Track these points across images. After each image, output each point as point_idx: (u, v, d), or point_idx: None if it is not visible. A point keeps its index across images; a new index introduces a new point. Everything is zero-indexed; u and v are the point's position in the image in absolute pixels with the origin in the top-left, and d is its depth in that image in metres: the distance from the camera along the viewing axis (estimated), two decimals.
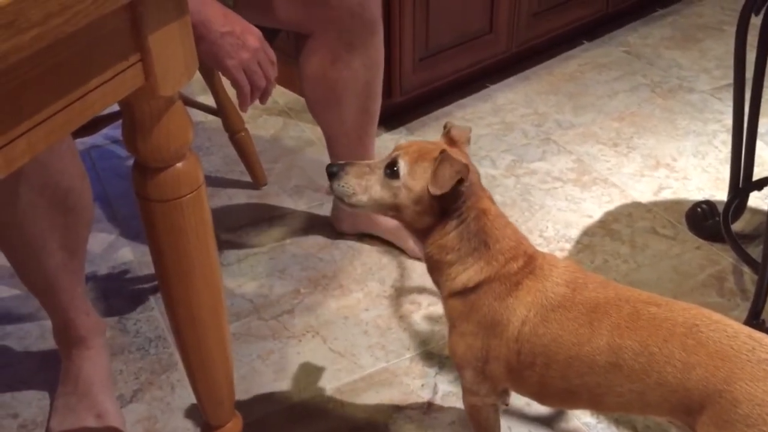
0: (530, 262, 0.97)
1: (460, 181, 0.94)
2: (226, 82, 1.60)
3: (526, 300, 0.95)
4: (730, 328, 0.85)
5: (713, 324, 0.86)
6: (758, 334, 0.84)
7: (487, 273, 0.97)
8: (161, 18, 0.73)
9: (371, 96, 1.46)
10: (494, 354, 0.98)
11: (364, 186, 0.99)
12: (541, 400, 1.03)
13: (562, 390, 0.96)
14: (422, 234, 1.00)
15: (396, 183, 0.97)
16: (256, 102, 1.23)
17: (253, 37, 1.17)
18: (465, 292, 0.98)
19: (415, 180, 0.96)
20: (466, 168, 0.94)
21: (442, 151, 0.95)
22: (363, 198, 1.00)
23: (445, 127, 1.05)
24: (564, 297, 0.94)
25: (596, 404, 0.97)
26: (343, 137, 1.51)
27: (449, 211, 0.97)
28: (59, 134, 0.69)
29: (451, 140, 1.02)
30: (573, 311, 0.93)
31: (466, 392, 1.07)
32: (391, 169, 0.98)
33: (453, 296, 1.00)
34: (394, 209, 1.00)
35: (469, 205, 0.97)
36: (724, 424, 0.81)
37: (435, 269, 1.02)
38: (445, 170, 0.93)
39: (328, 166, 1.01)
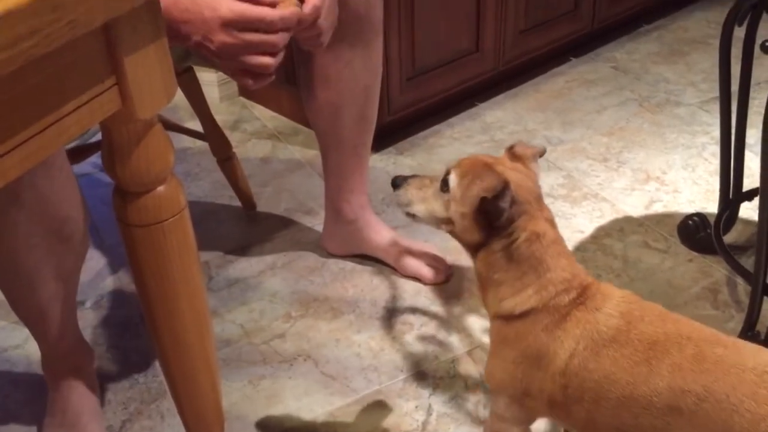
0: (583, 293, 0.92)
1: (497, 198, 0.89)
2: (219, 104, 1.59)
3: (575, 332, 0.90)
4: None
5: None
6: None
7: (536, 302, 0.92)
8: (137, 40, 0.73)
9: (369, 102, 1.46)
10: (537, 387, 0.94)
11: (422, 197, 0.99)
12: None
13: (612, 428, 0.91)
14: (474, 250, 0.97)
15: (447, 196, 0.96)
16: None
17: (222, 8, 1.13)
18: (511, 317, 0.95)
19: (463, 192, 0.94)
20: (503, 185, 0.89)
21: (485, 165, 0.93)
22: (420, 208, 1.00)
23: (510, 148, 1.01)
24: (618, 330, 0.89)
25: None
26: (338, 145, 1.49)
27: (496, 229, 0.92)
28: (34, 160, 0.68)
29: (514, 156, 0.99)
30: (628, 347, 0.87)
31: (495, 417, 1.03)
32: (445, 182, 0.96)
33: (498, 318, 0.97)
34: (447, 222, 0.97)
35: (520, 225, 0.91)
36: None
37: (483, 287, 0.98)
38: (472, 186, 0.91)
39: (394, 178, 1.03)
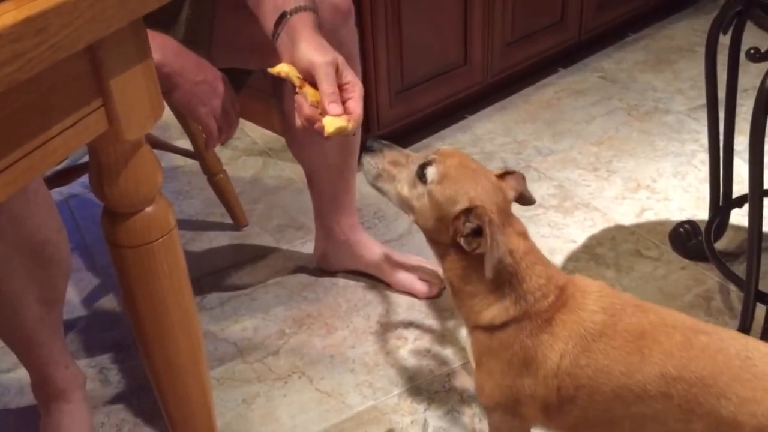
0: (561, 294, 0.93)
1: (466, 214, 0.90)
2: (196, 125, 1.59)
3: (562, 334, 0.91)
4: None
5: (766, 357, 0.84)
6: None
7: (515, 313, 0.92)
8: (123, 62, 0.73)
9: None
10: (528, 393, 0.94)
11: (394, 175, 0.96)
12: None
13: (604, 421, 0.92)
14: (441, 252, 0.96)
15: (421, 188, 0.94)
16: (232, 143, 1.24)
17: (222, 83, 1.17)
18: (492, 328, 0.94)
19: (440, 195, 0.92)
20: (480, 209, 0.89)
21: (472, 173, 0.91)
22: (389, 187, 0.97)
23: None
24: (605, 325, 0.90)
25: None
26: (324, 172, 1.50)
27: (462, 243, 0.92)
28: (21, 182, 0.68)
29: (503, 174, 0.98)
30: (618, 339, 0.89)
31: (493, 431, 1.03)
32: (422, 171, 0.94)
33: (478, 329, 0.96)
34: (412, 212, 0.96)
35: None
36: None
37: (456, 297, 0.97)
38: (453, 196, 0.90)
39: (369, 139, 0.98)
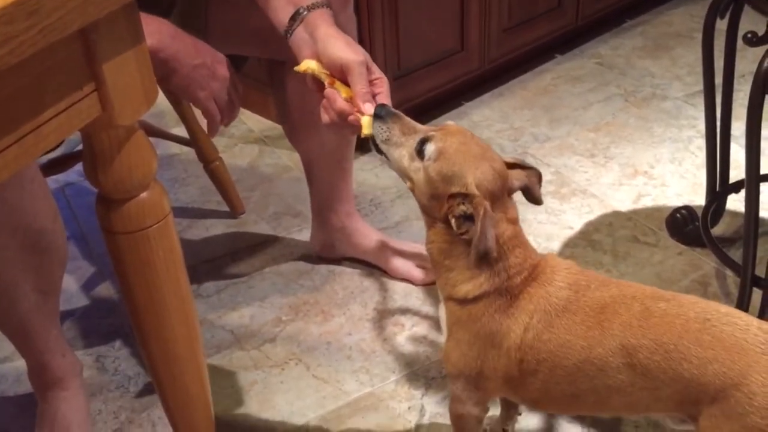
0: (533, 270, 0.95)
1: (464, 203, 0.90)
2: (196, 111, 1.58)
3: (528, 308, 0.93)
4: (740, 321, 0.85)
5: (724, 317, 0.85)
6: (766, 325, 0.85)
7: (487, 288, 0.94)
8: (116, 46, 0.72)
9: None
10: (491, 365, 0.96)
11: (400, 143, 0.96)
12: (541, 406, 1.01)
13: (567, 395, 0.94)
14: (429, 223, 0.97)
15: (417, 163, 0.94)
16: (228, 130, 1.23)
17: (222, 66, 1.16)
18: (464, 301, 0.96)
19: (435, 173, 0.92)
20: (478, 200, 0.89)
21: (474, 157, 0.90)
22: (393, 153, 0.96)
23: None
24: (568, 300, 0.92)
25: (600, 406, 0.95)
26: (321, 160, 1.49)
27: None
28: (14, 167, 0.67)
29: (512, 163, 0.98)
30: (579, 314, 0.91)
31: (455, 400, 1.05)
32: (421, 147, 0.94)
33: (451, 300, 0.98)
34: (410, 180, 0.96)
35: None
36: (738, 416, 0.81)
37: (434, 267, 0.99)
38: (449, 175, 0.90)
39: (379, 106, 0.98)
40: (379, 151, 0.99)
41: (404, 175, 0.97)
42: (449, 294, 0.97)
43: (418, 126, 0.98)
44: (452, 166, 0.92)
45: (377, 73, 1.03)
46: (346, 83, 1.02)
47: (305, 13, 1.05)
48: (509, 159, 0.98)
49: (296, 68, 1.05)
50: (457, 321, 0.98)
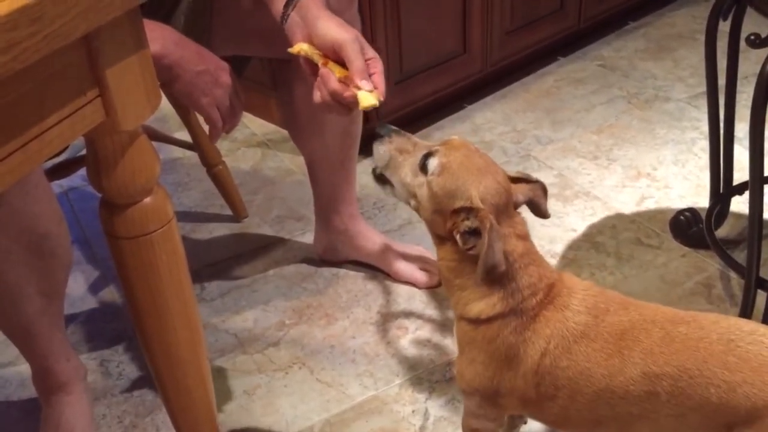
0: (549, 292, 0.92)
1: (467, 211, 0.89)
2: (199, 116, 1.58)
3: (545, 332, 0.90)
4: (766, 338, 0.83)
5: (749, 336, 0.83)
6: None
7: (501, 309, 0.92)
8: (119, 52, 0.72)
9: (353, 119, 1.45)
10: (508, 386, 0.94)
11: (399, 163, 0.95)
12: (562, 428, 0.98)
13: (588, 420, 0.92)
14: (437, 242, 0.96)
15: (421, 178, 0.93)
16: (233, 135, 1.23)
17: (225, 73, 1.17)
18: (477, 321, 0.94)
19: (439, 188, 0.91)
20: (483, 213, 0.88)
21: (477, 171, 0.89)
22: (393, 175, 0.96)
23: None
24: (587, 326, 0.89)
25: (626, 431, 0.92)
26: (325, 162, 1.49)
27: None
28: (18, 173, 0.67)
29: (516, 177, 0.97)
30: (599, 341, 0.88)
31: (469, 415, 1.03)
32: (425, 162, 0.93)
33: (464, 320, 0.96)
34: (414, 199, 0.95)
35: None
36: None
37: (446, 286, 0.98)
38: (453, 191, 0.89)
39: (379, 125, 0.97)
40: (381, 182, 0.98)
41: (408, 193, 0.96)
42: (461, 313, 0.95)
43: (420, 142, 0.97)
44: (456, 180, 0.91)
45: (371, 53, 1.03)
46: (340, 63, 1.01)
47: None
48: (513, 173, 0.97)
49: (289, 50, 1.05)
50: (471, 341, 0.96)
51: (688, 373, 0.83)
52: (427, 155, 0.93)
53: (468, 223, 0.89)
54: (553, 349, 0.90)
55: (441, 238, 0.95)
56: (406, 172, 0.95)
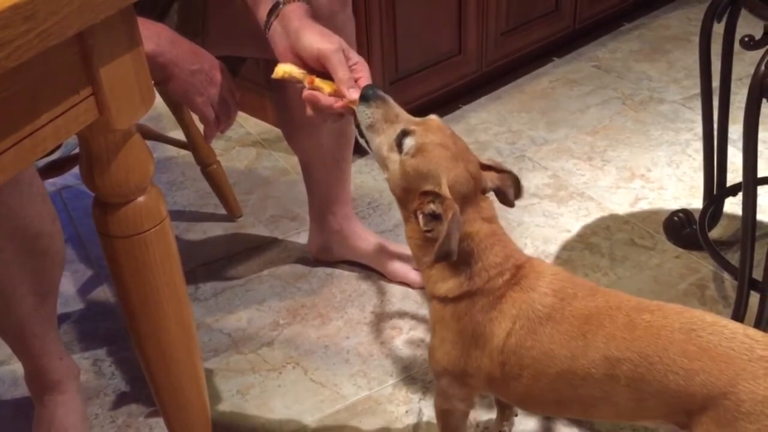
0: (516, 273, 0.94)
1: (434, 196, 0.90)
2: (194, 115, 1.58)
3: (511, 312, 0.92)
4: (726, 330, 0.84)
5: (710, 327, 0.85)
6: (752, 331, 0.84)
7: (468, 288, 0.93)
8: (113, 50, 0.72)
9: (347, 119, 1.45)
10: (474, 365, 0.96)
11: (380, 129, 0.95)
12: (526, 407, 1.01)
13: (552, 400, 0.94)
14: (405, 217, 0.97)
15: (395, 155, 0.94)
16: (228, 134, 1.23)
17: (219, 72, 1.16)
18: (446, 299, 0.96)
19: (410, 168, 0.92)
20: (448, 203, 0.89)
21: (450, 158, 0.90)
22: (374, 137, 0.96)
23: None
24: (553, 308, 0.91)
25: (586, 413, 0.95)
26: (319, 162, 1.49)
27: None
28: (11, 172, 0.67)
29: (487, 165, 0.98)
30: (564, 324, 0.90)
31: (440, 396, 1.05)
32: (401, 140, 0.93)
33: (435, 298, 0.98)
34: (385, 170, 0.96)
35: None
36: (727, 422, 0.81)
37: (417, 263, 0.99)
38: (424, 173, 0.90)
39: (367, 87, 0.97)
40: (362, 135, 0.99)
41: (381, 164, 0.97)
42: (431, 291, 0.98)
43: (402, 114, 0.97)
44: (428, 164, 0.92)
45: (355, 57, 1.02)
46: (326, 75, 1.01)
47: (282, 6, 1.05)
48: (486, 161, 0.98)
49: (273, 76, 1.04)
50: (440, 319, 0.98)
51: (648, 359, 0.85)
52: (404, 133, 0.94)
53: (432, 207, 0.91)
54: (518, 329, 0.91)
55: (407, 215, 0.96)
56: (382, 143, 0.96)
